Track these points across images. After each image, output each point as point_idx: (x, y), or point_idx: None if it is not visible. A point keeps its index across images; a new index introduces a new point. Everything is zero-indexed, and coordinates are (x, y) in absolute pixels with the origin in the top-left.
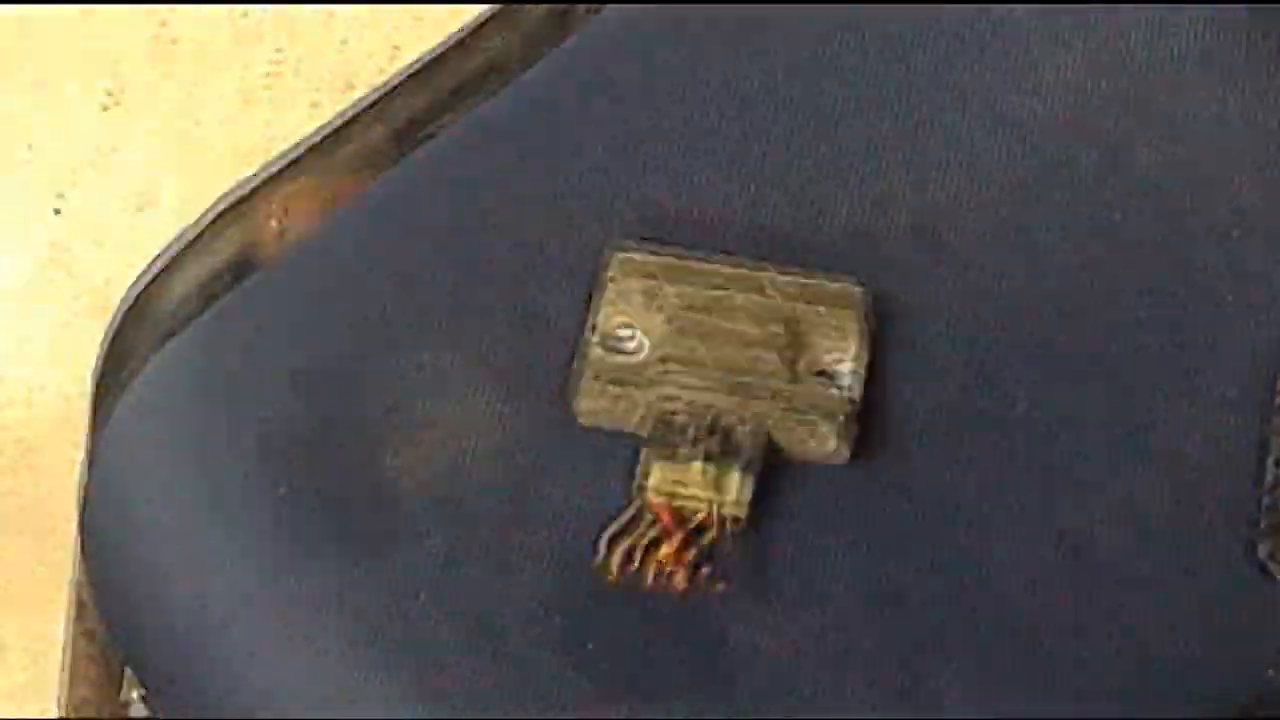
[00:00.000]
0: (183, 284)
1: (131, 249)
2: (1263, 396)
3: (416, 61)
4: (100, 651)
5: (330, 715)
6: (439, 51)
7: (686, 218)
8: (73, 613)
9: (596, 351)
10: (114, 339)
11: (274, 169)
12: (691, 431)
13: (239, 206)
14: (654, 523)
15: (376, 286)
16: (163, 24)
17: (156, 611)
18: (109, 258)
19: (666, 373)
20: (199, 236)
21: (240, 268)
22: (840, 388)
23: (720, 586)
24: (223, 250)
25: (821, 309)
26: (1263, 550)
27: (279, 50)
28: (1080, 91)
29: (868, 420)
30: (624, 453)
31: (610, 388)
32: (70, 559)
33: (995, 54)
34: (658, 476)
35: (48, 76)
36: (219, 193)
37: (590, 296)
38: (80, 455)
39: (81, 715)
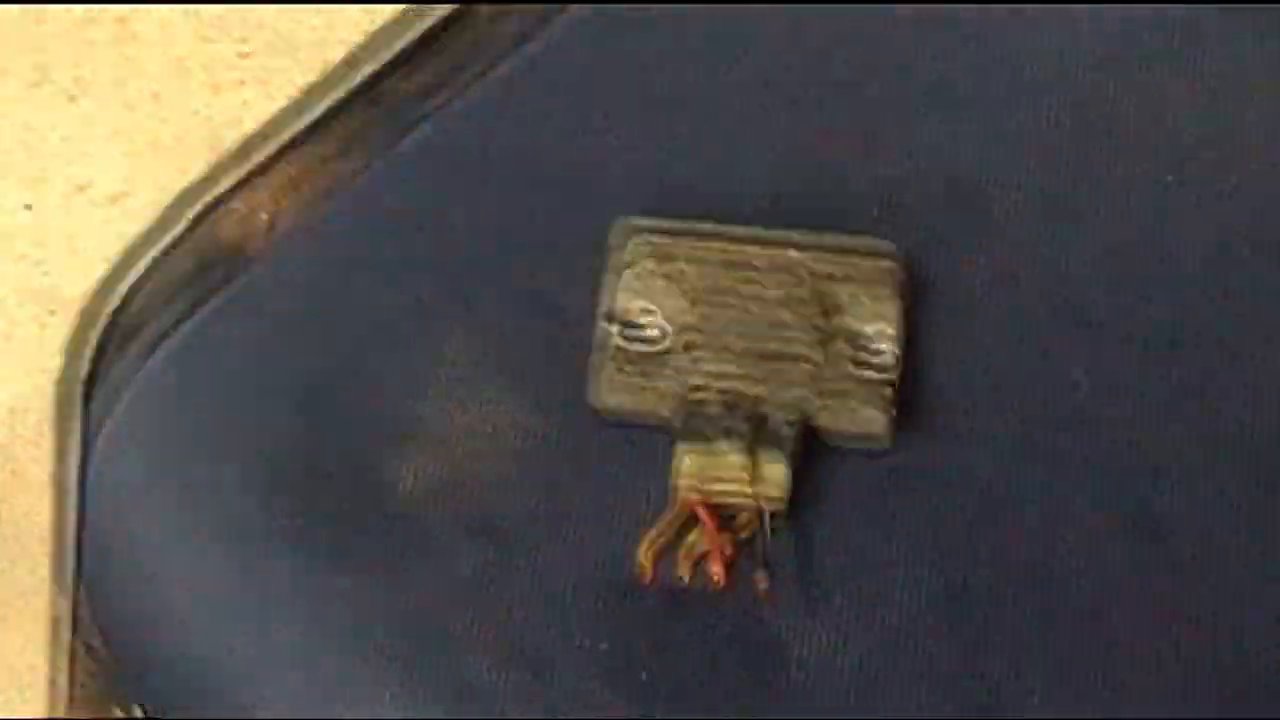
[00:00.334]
0: (158, 286)
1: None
2: None
3: (404, 24)
4: (99, 671)
5: None
6: (433, 23)
7: (704, 191)
8: (64, 634)
9: (616, 340)
10: (89, 347)
11: (255, 157)
12: (724, 420)
13: (218, 199)
14: (691, 520)
15: (375, 281)
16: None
17: (172, 659)
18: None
19: (693, 359)
20: (172, 233)
21: (223, 265)
22: (879, 364)
23: (764, 584)
24: (200, 247)
25: (854, 280)
26: None
27: (245, 39)
28: (1116, 55)
29: (910, 398)
30: (655, 446)
31: (633, 379)
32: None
33: (1028, 18)
34: (691, 470)
35: (8, 68)
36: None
37: (606, 277)
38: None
39: None
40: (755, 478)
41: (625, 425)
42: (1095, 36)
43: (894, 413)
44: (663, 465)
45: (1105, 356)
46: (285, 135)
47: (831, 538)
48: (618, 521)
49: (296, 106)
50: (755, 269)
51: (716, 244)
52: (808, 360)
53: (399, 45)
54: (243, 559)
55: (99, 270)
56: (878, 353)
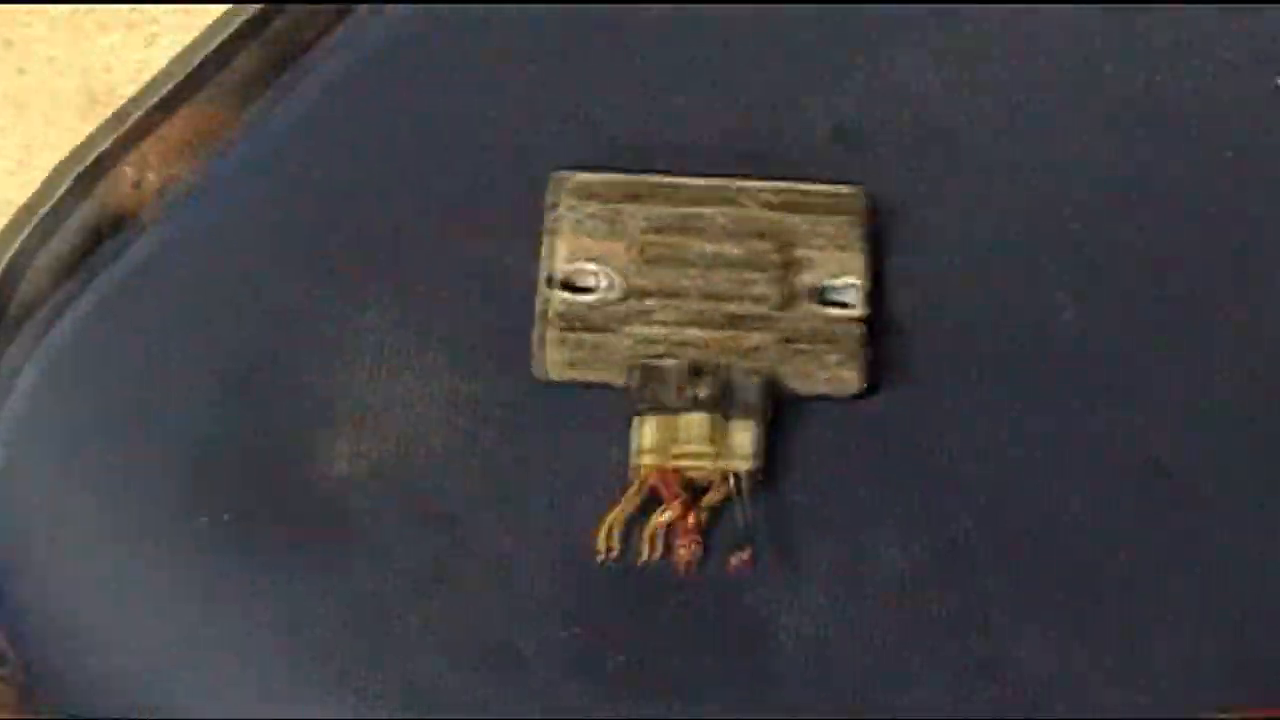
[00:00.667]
0: (42, 263)
1: None
2: None
3: None
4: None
5: None
6: None
7: (642, 139)
8: None
9: (557, 294)
10: None
11: (132, 113)
12: (684, 383)
13: (94, 162)
14: (653, 490)
15: (287, 244)
16: None
17: (93, 667)
18: None
19: (645, 320)
20: (48, 204)
21: (114, 236)
22: (845, 308)
23: (742, 557)
24: (84, 218)
25: (813, 218)
26: None
27: None
28: None
29: (883, 345)
30: (612, 415)
31: (579, 335)
32: None
33: None
34: (651, 441)
35: None
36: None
37: (543, 236)
38: None
39: None
40: (722, 443)
41: (578, 390)
42: None
43: (867, 361)
44: (621, 435)
45: (1095, 286)
46: (158, 87)
47: (810, 501)
48: (576, 499)
49: (182, 56)
50: (708, 220)
51: (665, 195)
52: (770, 314)
53: None
54: (166, 556)
55: None
56: (843, 294)
